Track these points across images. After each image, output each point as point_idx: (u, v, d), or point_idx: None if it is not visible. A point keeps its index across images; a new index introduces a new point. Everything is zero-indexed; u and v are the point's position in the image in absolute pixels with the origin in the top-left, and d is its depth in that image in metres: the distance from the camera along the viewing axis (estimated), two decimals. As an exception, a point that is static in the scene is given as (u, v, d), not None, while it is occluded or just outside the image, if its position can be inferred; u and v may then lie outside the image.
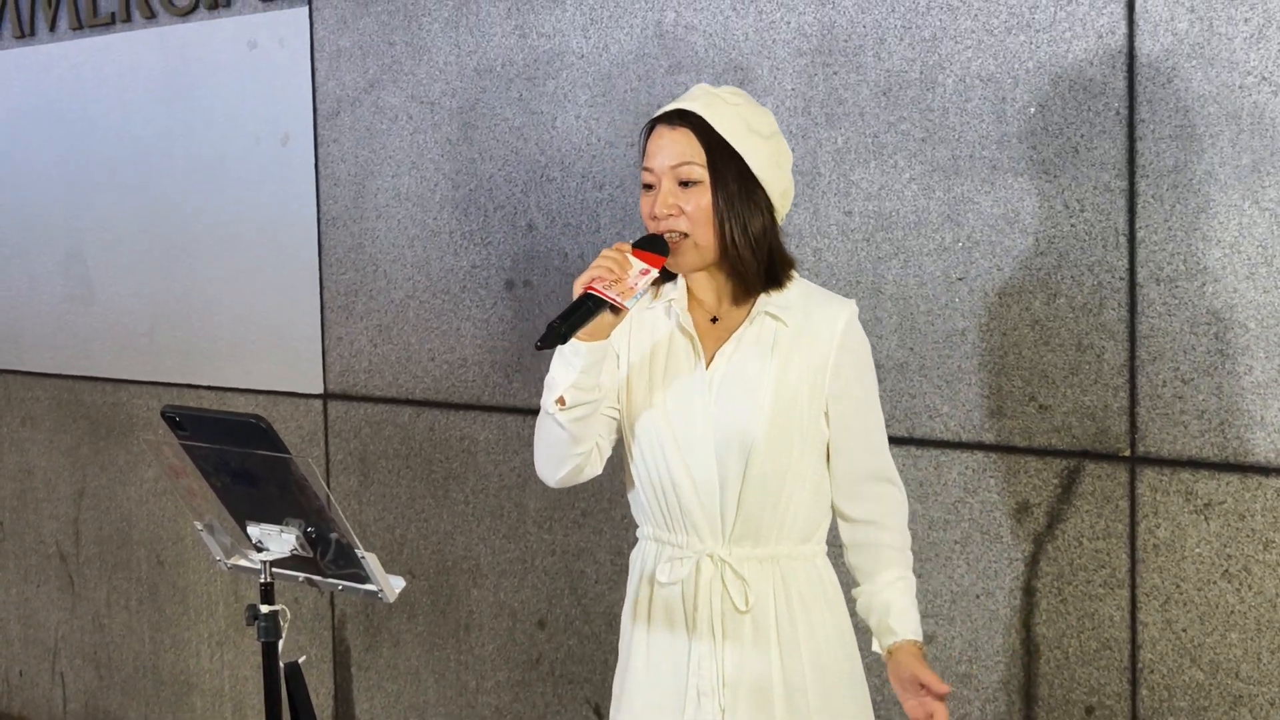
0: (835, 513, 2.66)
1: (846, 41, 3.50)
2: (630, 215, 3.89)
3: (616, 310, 2.42)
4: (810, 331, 2.57)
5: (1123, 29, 3.14)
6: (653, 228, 2.55)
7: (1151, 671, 3.18)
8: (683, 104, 2.57)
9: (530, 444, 2.73)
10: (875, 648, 2.65)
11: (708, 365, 2.58)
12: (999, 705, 3.39)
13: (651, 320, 2.65)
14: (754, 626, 2.54)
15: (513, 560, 4.23)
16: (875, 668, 3.08)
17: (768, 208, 2.57)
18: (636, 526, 2.71)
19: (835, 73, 3.53)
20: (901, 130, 3.44)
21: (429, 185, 4.31)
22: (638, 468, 2.62)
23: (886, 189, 3.46)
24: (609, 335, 2.47)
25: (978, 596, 3.40)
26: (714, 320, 2.62)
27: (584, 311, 2.39)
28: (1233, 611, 3.07)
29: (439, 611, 4.42)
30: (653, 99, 3.81)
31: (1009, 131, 3.29)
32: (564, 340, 2.38)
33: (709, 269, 2.59)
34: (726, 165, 2.52)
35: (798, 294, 2.61)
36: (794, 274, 2.63)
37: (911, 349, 3.44)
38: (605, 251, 2.45)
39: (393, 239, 4.41)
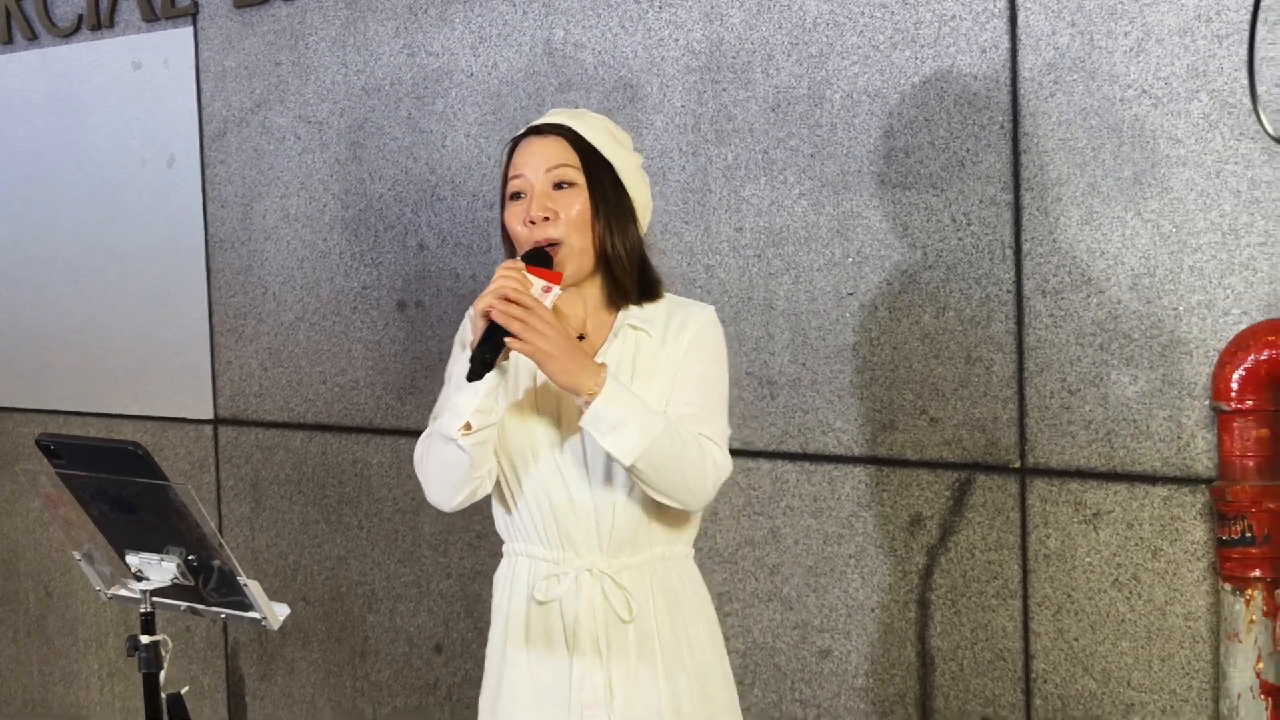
0: None
1: (735, 58, 3.51)
2: (521, 234, 3.86)
3: None
4: (670, 340, 2.55)
5: (1006, 44, 3.16)
6: (524, 236, 2.49)
7: (1045, 681, 3.20)
8: (550, 118, 2.58)
9: None
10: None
11: None
12: (895, 718, 3.39)
13: None
14: (637, 636, 2.52)
15: (408, 584, 4.18)
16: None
17: (636, 218, 2.58)
18: (502, 543, 2.66)
19: (724, 89, 3.53)
20: (791, 146, 3.44)
21: (318, 206, 4.27)
22: (510, 487, 2.56)
23: (777, 205, 3.47)
24: (509, 356, 2.41)
25: (873, 610, 3.40)
26: (581, 337, 2.57)
27: (500, 337, 2.35)
28: (1123, 620, 3.10)
29: (334, 638, 4.36)
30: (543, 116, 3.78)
31: (896, 146, 3.31)
32: (491, 368, 2.34)
33: (579, 284, 2.55)
34: (600, 171, 2.52)
35: (662, 307, 2.58)
36: (665, 292, 2.61)
37: (803, 365, 3.45)
38: (502, 270, 2.38)
39: (282, 260, 4.36)
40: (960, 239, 3.24)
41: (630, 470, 2.39)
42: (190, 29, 4.50)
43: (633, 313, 2.56)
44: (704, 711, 2.56)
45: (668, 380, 2.52)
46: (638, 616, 2.51)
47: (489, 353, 2.33)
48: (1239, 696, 2.84)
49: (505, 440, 2.54)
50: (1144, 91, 3.02)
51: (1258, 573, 2.83)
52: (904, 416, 3.33)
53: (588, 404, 2.36)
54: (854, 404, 3.39)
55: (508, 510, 2.60)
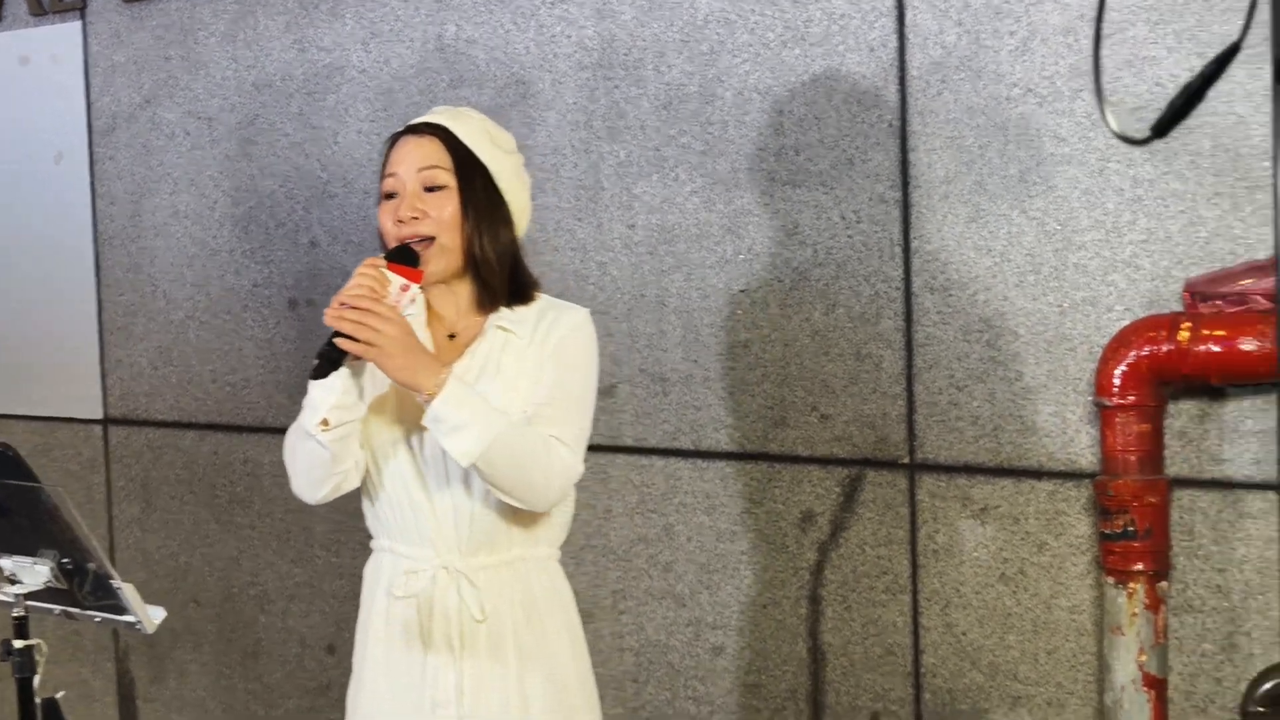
0: None
1: (627, 55, 3.50)
2: (414, 231, 3.83)
3: None
4: (539, 340, 2.55)
5: (894, 42, 3.18)
6: (395, 233, 2.50)
7: (934, 675, 3.22)
8: (429, 118, 2.58)
9: None
10: None
11: None
12: (787, 714, 3.40)
13: None
14: (490, 636, 2.52)
15: (300, 585, 4.14)
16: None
17: (510, 222, 2.58)
18: (371, 538, 2.67)
19: (616, 86, 3.52)
20: (682, 144, 3.44)
21: (208, 203, 4.21)
22: (375, 483, 2.57)
23: (669, 202, 3.47)
24: None
25: (765, 606, 3.41)
26: (451, 336, 2.59)
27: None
28: (1010, 614, 3.12)
29: (225, 639, 4.31)
30: (434, 113, 3.76)
31: (786, 144, 3.31)
32: (337, 367, 2.36)
33: (450, 282, 2.56)
34: (473, 174, 2.52)
35: (535, 309, 2.59)
36: (538, 294, 2.62)
37: (696, 361, 3.45)
38: (360, 269, 2.40)
39: (172, 258, 4.30)
40: (850, 236, 3.25)
41: (474, 470, 2.41)
42: (79, 24, 4.43)
43: (503, 314, 2.56)
44: (558, 713, 2.58)
45: (533, 380, 2.53)
46: (491, 616, 2.52)
47: (335, 351, 2.34)
48: (1122, 689, 2.87)
49: (369, 436, 2.54)
50: (1029, 90, 3.04)
51: (1140, 566, 2.86)
52: (795, 413, 3.34)
53: (428, 403, 2.37)
54: (746, 401, 3.40)
55: (371, 504, 2.61)
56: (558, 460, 2.48)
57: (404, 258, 2.44)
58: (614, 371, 3.53)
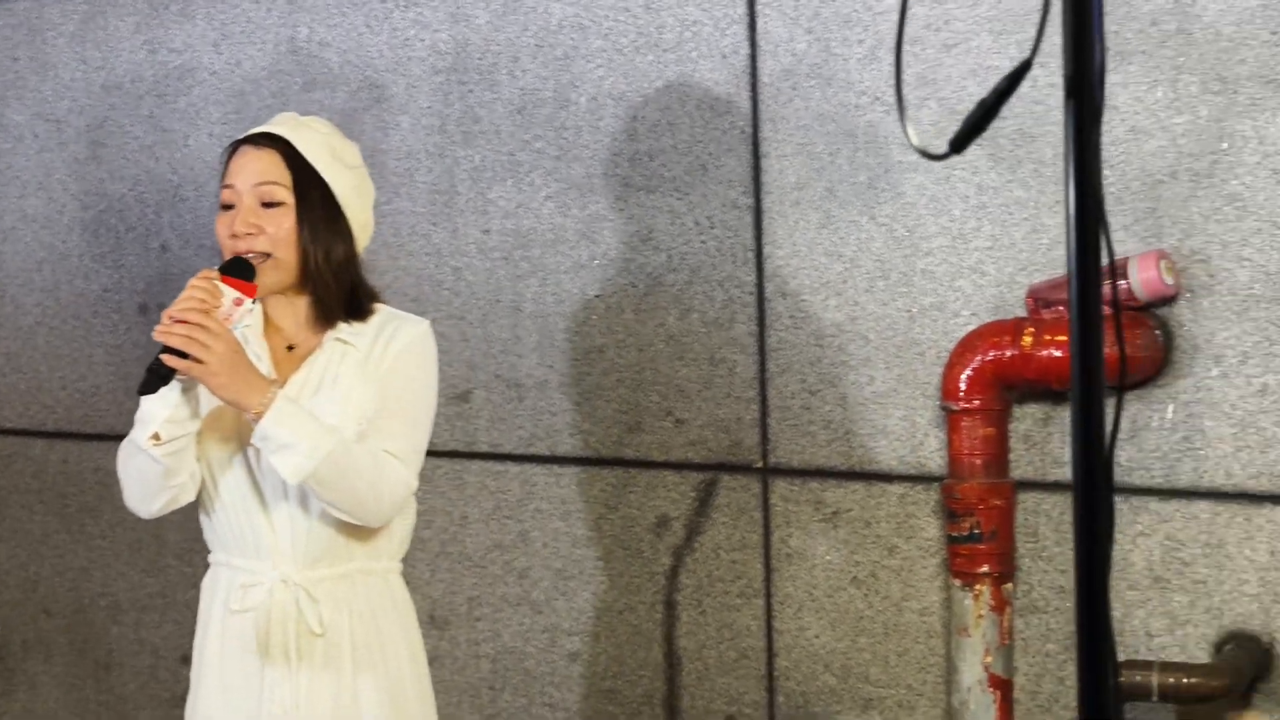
0: None
1: (481, 59, 3.49)
2: (267, 236, 3.78)
3: None
4: (377, 352, 2.54)
5: (746, 49, 3.20)
6: (229, 246, 2.48)
7: (787, 679, 3.24)
8: (271, 128, 2.54)
9: None
10: None
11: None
12: (643, 718, 3.40)
13: None
14: (327, 649, 2.51)
15: (153, 595, 4.07)
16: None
17: (349, 238, 2.55)
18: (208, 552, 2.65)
19: (470, 91, 3.51)
20: (537, 149, 3.44)
21: (57, 206, 4.13)
22: (211, 496, 2.55)
23: (524, 207, 3.46)
24: None
25: (620, 612, 3.41)
26: (290, 348, 2.57)
27: (181, 352, 2.32)
28: (861, 617, 3.15)
29: (77, 651, 4.22)
30: (287, 117, 3.71)
31: (640, 149, 3.32)
32: (167, 381, 2.33)
33: (288, 294, 2.54)
34: (311, 190, 2.49)
35: (374, 322, 2.57)
36: (378, 307, 2.59)
37: (551, 367, 3.44)
38: (193, 281, 2.37)
39: (20, 263, 4.21)
40: (703, 242, 3.27)
41: (305, 486, 2.40)
42: (-78, 21, 4.32)
43: (342, 328, 2.54)
44: None
45: (369, 393, 2.51)
46: (329, 629, 2.51)
47: (164, 366, 2.31)
48: (969, 690, 2.91)
49: (204, 449, 2.52)
50: (877, 99, 3.07)
51: (986, 568, 2.90)
52: (650, 418, 3.35)
53: (256, 421, 2.36)
54: (601, 406, 3.40)
55: (208, 518, 2.60)
56: (390, 475, 2.46)
57: (239, 270, 2.41)
58: (469, 377, 3.52)
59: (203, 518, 2.61)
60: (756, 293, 3.22)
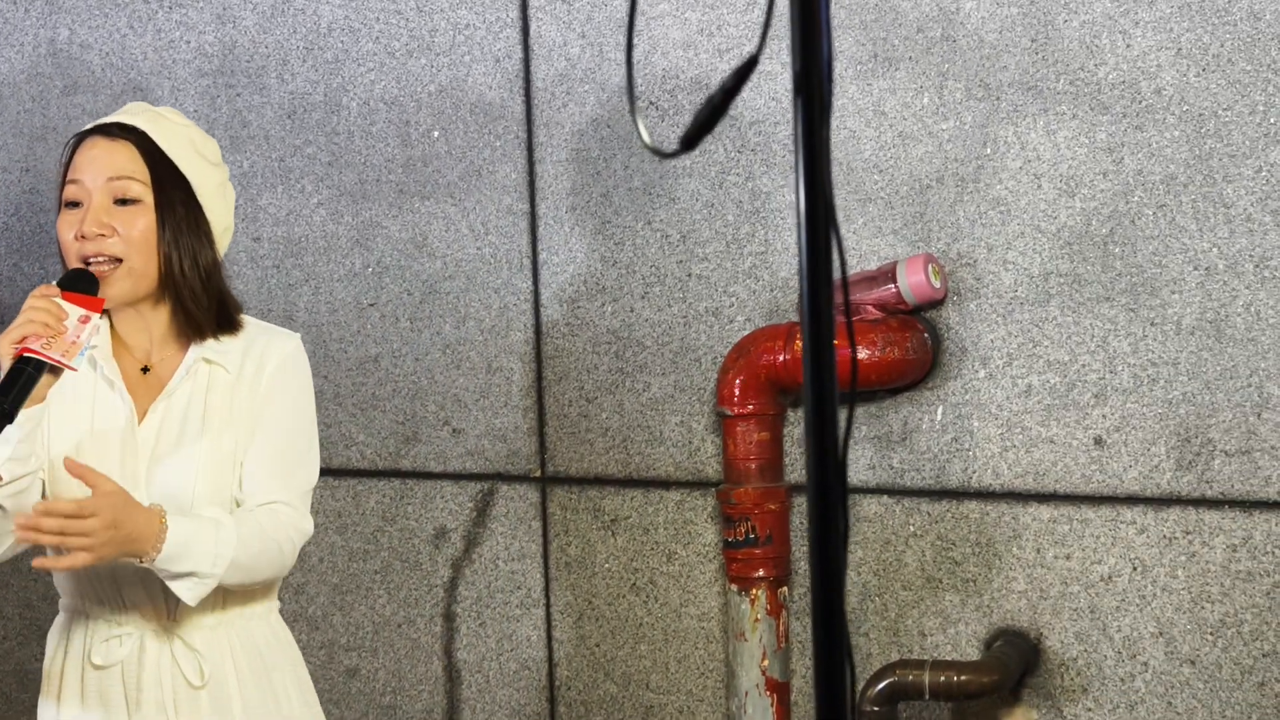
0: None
1: (249, 62, 3.40)
2: (27, 247, 3.64)
3: (59, 371, 2.11)
4: (248, 376, 2.29)
5: (519, 54, 3.17)
6: (75, 250, 2.20)
7: (568, 688, 3.22)
8: (123, 118, 2.27)
9: None
10: None
11: (140, 422, 2.27)
12: (424, 735, 3.35)
13: (70, 373, 2.23)
14: (212, 700, 2.26)
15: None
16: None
17: (213, 242, 2.30)
18: (58, 597, 2.38)
19: (239, 94, 3.42)
20: (308, 154, 3.36)
21: None
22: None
23: (295, 214, 3.38)
24: (45, 397, 2.14)
25: (399, 625, 3.35)
26: (145, 370, 2.30)
27: (26, 380, 2.06)
28: (641, 624, 3.14)
29: None
30: (48, 121, 3.58)
31: (414, 155, 3.27)
32: (12, 419, 2.05)
33: (140, 308, 2.27)
34: (173, 187, 2.24)
35: (241, 337, 2.32)
36: (243, 319, 2.34)
37: (325, 377, 3.36)
38: (32, 300, 2.10)
39: None
40: (479, 249, 3.22)
41: None
42: None
43: (208, 345, 2.29)
44: None
45: (246, 425, 2.27)
46: (212, 680, 2.26)
47: (11, 400, 2.04)
48: (746, 694, 2.91)
49: (56, 488, 2.25)
50: (651, 103, 3.07)
51: (761, 572, 2.91)
52: (427, 428, 3.29)
53: (149, 563, 2.11)
54: (377, 417, 3.33)
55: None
56: (288, 534, 2.25)
57: (81, 284, 2.17)
58: (241, 389, 3.42)
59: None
60: (533, 300, 3.19)
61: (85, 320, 2.12)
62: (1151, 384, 2.75)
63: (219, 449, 2.26)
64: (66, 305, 2.12)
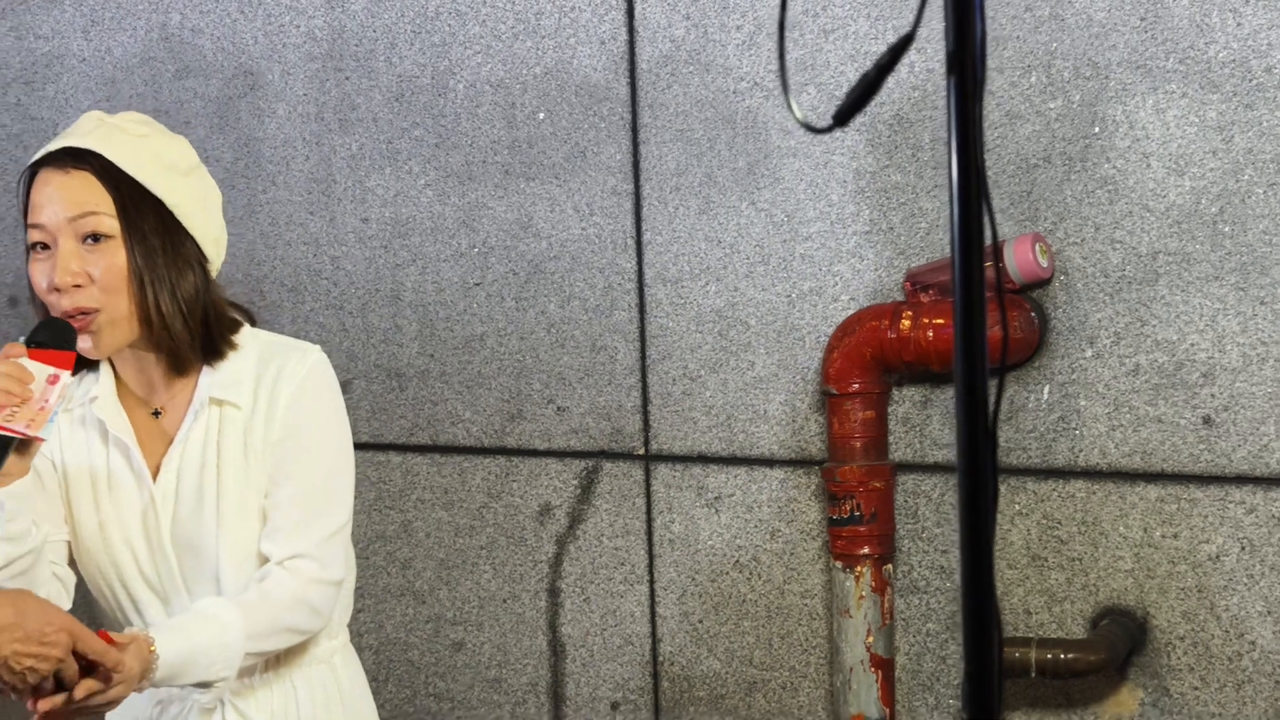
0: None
1: (358, 46, 3.45)
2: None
3: (29, 442, 1.93)
4: (262, 408, 2.11)
5: (624, 35, 3.19)
6: (53, 303, 2.00)
7: (671, 664, 3.25)
8: (73, 141, 2.03)
9: None
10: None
11: (154, 477, 2.12)
12: (528, 708, 3.40)
13: (70, 430, 2.13)
14: None
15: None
16: None
17: (199, 261, 2.08)
18: None
19: (347, 78, 3.47)
20: (415, 136, 3.41)
21: (-80, 197, 4.03)
22: (104, 597, 2.16)
23: (402, 195, 3.43)
24: (30, 469, 1.97)
25: (505, 600, 3.40)
26: (156, 414, 2.14)
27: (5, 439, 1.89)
28: (744, 600, 3.17)
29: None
30: (159, 105, 3.66)
31: (520, 137, 3.31)
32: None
33: (134, 350, 2.09)
34: (142, 213, 2.02)
35: (248, 361, 2.13)
36: (244, 331, 2.16)
37: (432, 356, 3.42)
38: None
39: (-118, 255, 4.10)
40: (583, 229, 3.26)
41: None
42: None
43: (215, 378, 2.11)
44: None
45: (264, 465, 2.11)
46: None
47: None
48: (851, 670, 2.94)
49: (84, 560, 2.13)
50: (756, 84, 3.09)
51: (866, 550, 2.93)
52: (531, 406, 3.34)
53: (152, 685, 1.97)
54: (482, 394, 3.38)
55: (105, 622, 2.17)
56: (309, 593, 2.09)
57: (52, 337, 1.96)
58: (349, 367, 3.48)
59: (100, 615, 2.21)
60: (637, 279, 3.22)
61: (54, 380, 1.93)
62: (1261, 363, 2.74)
63: (239, 502, 2.11)
64: (32, 365, 1.93)
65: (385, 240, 3.45)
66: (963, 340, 1.18)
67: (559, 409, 3.31)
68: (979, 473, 1.20)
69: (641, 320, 3.22)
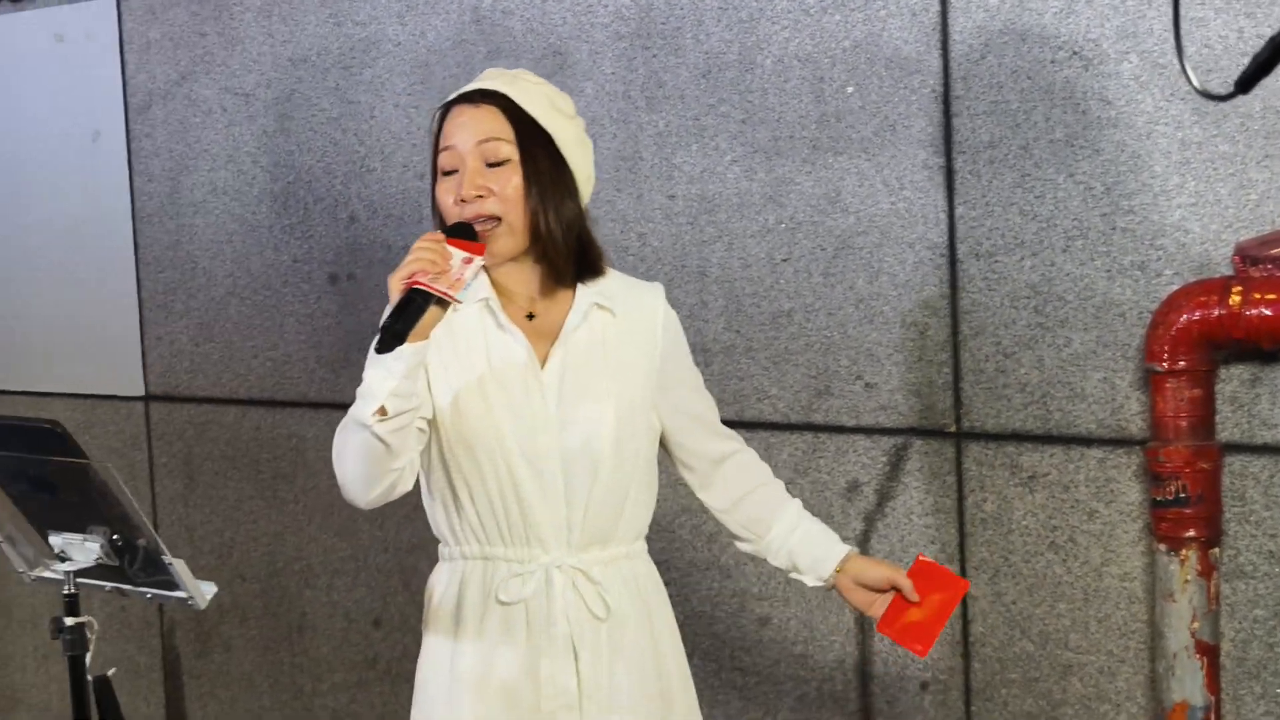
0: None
1: (665, 24, 3.47)
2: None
3: (445, 304, 2.22)
4: (635, 326, 2.45)
5: (936, 6, 3.14)
6: (456, 215, 2.34)
7: (983, 645, 3.20)
8: (484, 84, 2.40)
9: None
10: (811, 580, 2.54)
11: (542, 367, 2.40)
12: (835, 684, 3.39)
13: (462, 320, 2.39)
14: (609, 634, 2.39)
15: (345, 559, 4.15)
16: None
17: (576, 193, 2.41)
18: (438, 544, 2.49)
19: (654, 55, 3.50)
20: (722, 112, 3.41)
21: (246, 179, 4.21)
22: (468, 482, 2.38)
23: (709, 171, 3.44)
24: (429, 335, 2.24)
25: (811, 577, 3.39)
26: (530, 317, 2.43)
27: (415, 309, 2.18)
28: (1060, 582, 3.10)
29: (271, 614, 4.32)
30: (472, 85, 3.74)
31: (827, 111, 3.28)
32: (402, 341, 2.16)
33: (518, 259, 2.40)
34: (536, 144, 2.36)
35: (617, 285, 2.47)
36: (607, 269, 2.48)
37: (738, 331, 3.43)
38: (419, 243, 2.22)
39: (211, 234, 4.30)
40: (891, 204, 3.22)
41: None
42: (113, 1, 4.42)
43: (593, 289, 2.44)
44: (669, 712, 2.46)
45: (646, 373, 2.46)
46: (611, 613, 2.39)
47: (401, 323, 2.16)
48: (1175, 656, 2.85)
49: (462, 428, 2.36)
50: (1075, 53, 3.00)
51: (1192, 533, 2.83)
52: (839, 382, 3.32)
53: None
54: (789, 370, 3.38)
55: (457, 509, 2.40)
56: (758, 464, 2.64)
57: (462, 233, 2.30)
58: (656, 343, 3.51)
59: (437, 511, 2.44)
60: (948, 254, 3.17)
61: (468, 261, 2.25)
62: None
63: (628, 397, 2.42)
64: (451, 248, 2.25)
65: (692, 216, 3.47)
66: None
67: (867, 385, 3.29)
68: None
69: (953, 295, 3.17)
